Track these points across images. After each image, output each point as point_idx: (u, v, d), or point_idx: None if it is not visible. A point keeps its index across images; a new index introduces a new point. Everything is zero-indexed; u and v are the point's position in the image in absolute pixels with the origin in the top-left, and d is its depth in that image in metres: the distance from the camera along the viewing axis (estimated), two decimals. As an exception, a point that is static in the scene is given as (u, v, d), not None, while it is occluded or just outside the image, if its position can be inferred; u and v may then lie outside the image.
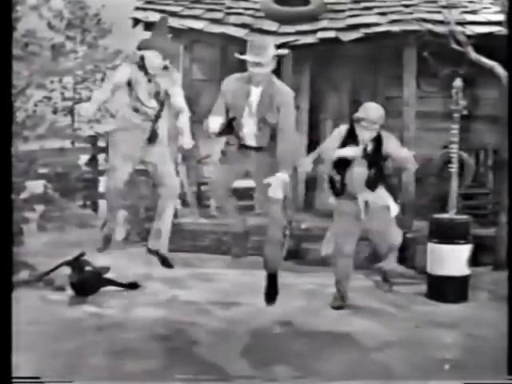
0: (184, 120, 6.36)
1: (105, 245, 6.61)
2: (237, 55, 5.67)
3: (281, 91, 5.62)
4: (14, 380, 4.15)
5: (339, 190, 6.31)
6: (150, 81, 6.23)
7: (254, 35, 9.51)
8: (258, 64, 5.46)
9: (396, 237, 6.53)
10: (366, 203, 6.29)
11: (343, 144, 6.21)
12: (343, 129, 6.30)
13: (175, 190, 6.66)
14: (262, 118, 5.59)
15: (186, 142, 6.35)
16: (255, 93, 5.60)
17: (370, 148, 6.20)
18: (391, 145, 6.26)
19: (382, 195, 6.31)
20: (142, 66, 6.21)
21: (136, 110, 6.27)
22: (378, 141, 6.20)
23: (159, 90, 6.27)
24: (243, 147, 5.74)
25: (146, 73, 6.21)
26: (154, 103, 6.29)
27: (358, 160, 6.20)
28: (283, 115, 5.57)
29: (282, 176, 5.41)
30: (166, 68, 6.29)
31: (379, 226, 6.34)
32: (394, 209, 6.36)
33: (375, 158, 6.23)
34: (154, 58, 6.15)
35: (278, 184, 5.40)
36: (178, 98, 6.37)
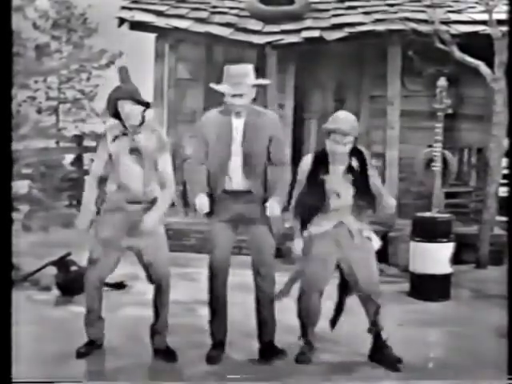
0: (166, 198, 5.08)
1: (88, 350, 5.15)
2: (212, 86, 5.03)
3: (268, 119, 5.05)
4: (14, 380, 4.15)
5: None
6: (126, 135, 5.01)
7: (239, 34, 9.57)
8: (236, 95, 4.88)
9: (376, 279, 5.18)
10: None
11: (313, 173, 5.03)
12: (308, 158, 5.14)
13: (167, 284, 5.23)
14: (249, 154, 4.94)
15: (149, 220, 4.96)
16: (237, 126, 4.95)
17: (354, 164, 5.02)
18: (374, 172, 5.14)
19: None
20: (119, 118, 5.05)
21: (119, 187, 5.02)
22: (359, 157, 5.05)
23: (139, 147, 5.00)
24: (229, 193, 5.01)
25: (124, 127, 5.03)
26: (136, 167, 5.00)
27: (340, 178, 5.02)
28: (276, 144, 5.01)
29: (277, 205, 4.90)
30: (154, 130, 5.10)
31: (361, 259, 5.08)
32: (377, 242, 5.19)
33: (361, 177, 5.02)
34: (131, 110, 4.95)
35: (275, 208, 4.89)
36: (167, 169, 5.08)
